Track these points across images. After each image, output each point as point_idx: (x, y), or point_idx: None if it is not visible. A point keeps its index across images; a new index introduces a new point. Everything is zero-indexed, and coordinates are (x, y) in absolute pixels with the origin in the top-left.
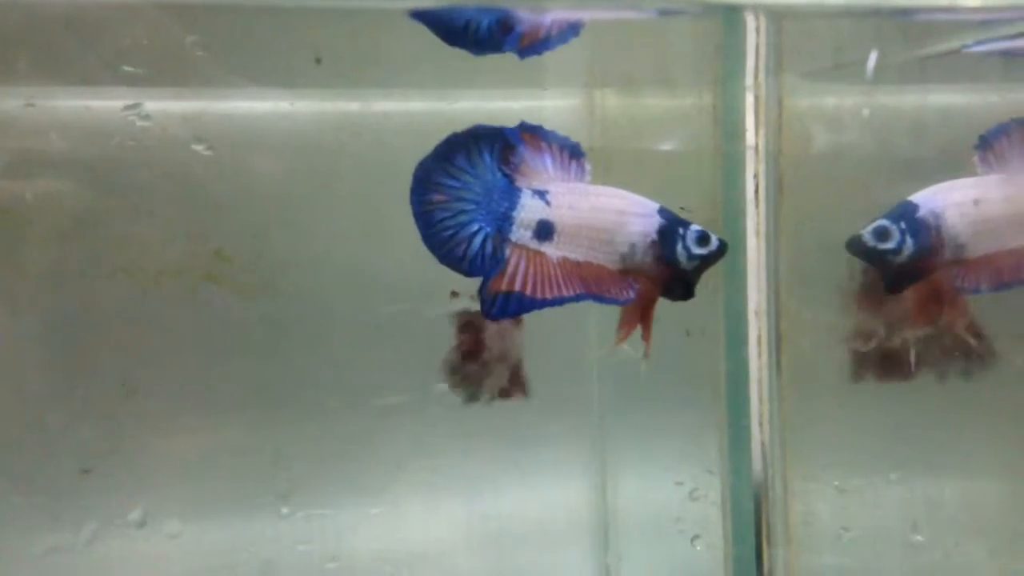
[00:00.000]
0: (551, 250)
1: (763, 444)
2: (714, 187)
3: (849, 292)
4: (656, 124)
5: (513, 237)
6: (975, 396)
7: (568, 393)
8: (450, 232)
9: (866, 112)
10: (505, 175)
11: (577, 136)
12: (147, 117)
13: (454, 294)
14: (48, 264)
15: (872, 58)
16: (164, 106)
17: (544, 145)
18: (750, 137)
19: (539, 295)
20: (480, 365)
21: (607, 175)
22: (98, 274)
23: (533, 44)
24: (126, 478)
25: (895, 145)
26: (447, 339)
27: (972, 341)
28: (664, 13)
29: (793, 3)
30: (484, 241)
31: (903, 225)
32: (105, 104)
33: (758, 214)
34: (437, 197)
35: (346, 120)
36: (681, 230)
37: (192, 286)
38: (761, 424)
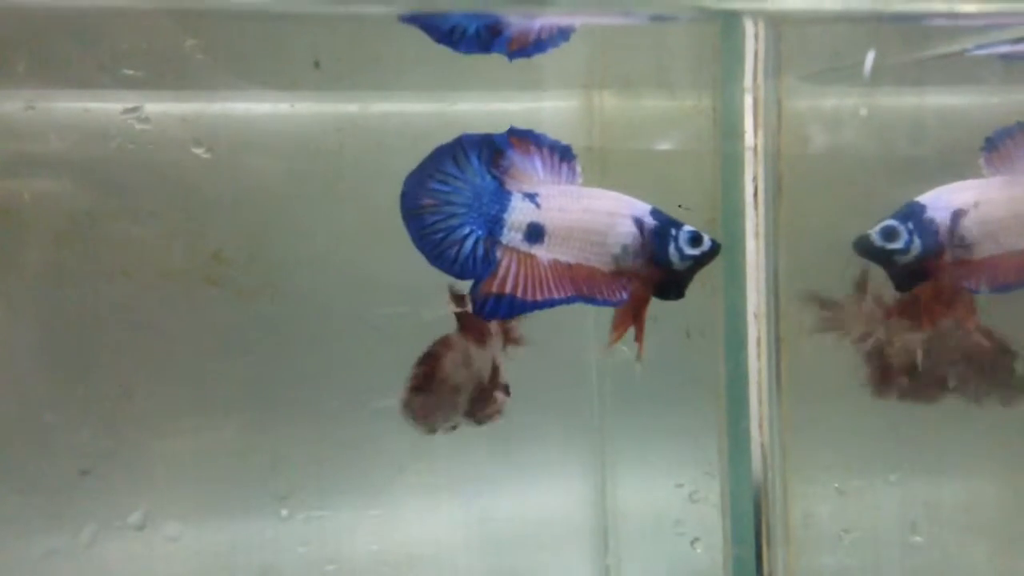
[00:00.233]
0: (542, 252)
1: (763, 446)
2: (713, 189)
3: (872, 309)
4: (655, 126)
5: (504, 239)
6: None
7: (568, 395)
8: (441, 235)
9: (864, 112)
10: (495, 178)
11: (576, 138)
12: (146, 120)
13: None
14: (48, 266)
15: (869, 59)
16: (163, 109)
17: (534, 148)
18: (749, 139)
19: (530, 297)
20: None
21: (606, 176)
22: (97, 276)
23: (523, 47)
24: (125, 480)
25: (894, 146)
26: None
27: (984, 342)
28: (656, 19)
29: (792, 9)
30: (475, 244)
31: (911, 225)
32: (105, 107)
33: (757, 216)
34: (427, 202)
35: (345, 122)
36: (673, 231)
37: (191, 288)
38: (761, 426)
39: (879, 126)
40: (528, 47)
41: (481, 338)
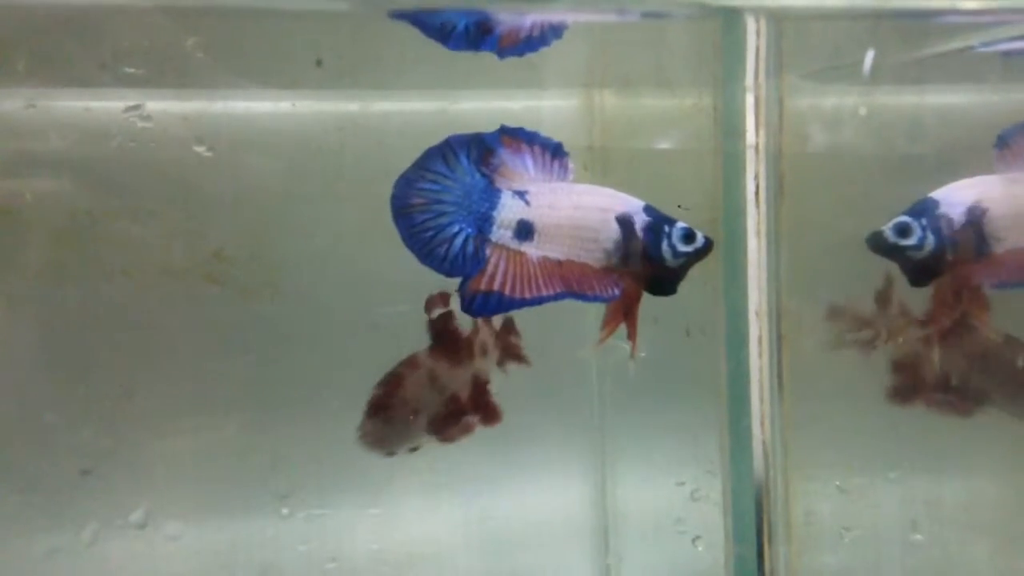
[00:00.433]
0: (531, 249)
1: (764, 444)
2: (714, 187)
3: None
4: (656, 124)
5: (493, 237)
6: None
7: (568, 393)
8: (431, 233)
9: (863, 111)
10: (485, 176)
11: (577, 137)
12: (148, 118)
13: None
14: (48, 265)
15: (869, 57)
16: (165, 107)
17: (525, 146)
18: (750, 137)
19: (518, 294)
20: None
21: (607, 175)
22: (98, 275)
23: (514, 45)
24: (126, 479)
25: (896, 145)
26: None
27: (997, 337)
28: (656, 16)
29: (793, 5)
30: (465, 242)
31: (924, 221)
32: (106, 105)
33: (759, 214)
34: (417, 201)
35: (346, 121)
36: (667, 227)
37: (192, 287)
38: (762, 424)
39: (881, 125)
40: (519, 45)
41: (455, 356)
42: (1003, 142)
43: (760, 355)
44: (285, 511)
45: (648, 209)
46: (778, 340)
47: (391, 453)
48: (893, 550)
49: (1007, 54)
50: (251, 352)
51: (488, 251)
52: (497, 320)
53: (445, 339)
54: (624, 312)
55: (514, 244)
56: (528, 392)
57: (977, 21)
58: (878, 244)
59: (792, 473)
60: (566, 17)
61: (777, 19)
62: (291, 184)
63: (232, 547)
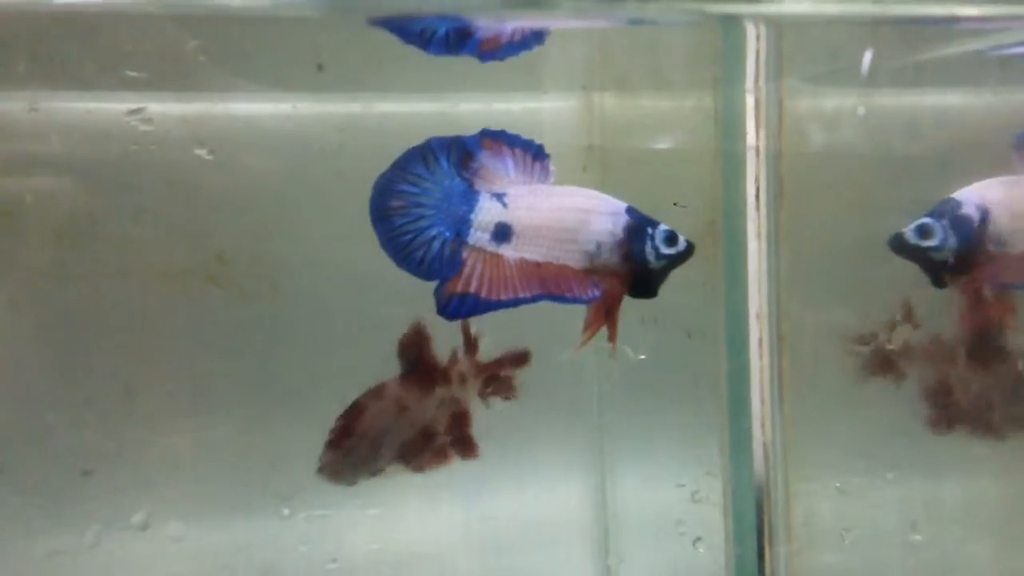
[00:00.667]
0: (509, 252)
1: (764, 445)
2: (714, 190)
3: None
4: (656, 126)
5: (471, 240)
6: None
7: (568, 394)
8: (409, 237)
9: (862, 111)
10: (464, 180)
11: (577, 138)
12: (149, 121)
13: None
14: (50, 267)
15: (867, 60)
16: (166, 110)
17: (506, 149)
18: (751, 139)
19: (494, 297)
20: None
21: (607, 177)
22: (100, 277)
23: (495, 50)
24: (128, 480)
25: (896, 147)
26: (447, 341)
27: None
28: (633, 22)
29: (792, 13)
30: (442, 245)
31: (945, 222)
32: (108, 108)
33: (759, 216)
34: (396, 203)
35: (347, 123)
36: (650, 229)
37: (193, 288)
38: (762, 426)
39: (880, 127)
40: (500, 49)
41: (428, 385)
42: (1021, 142)
43: (760, 357)
44: (286, 512)
45: (631, 210)
46: (778, 342)
47: (352, 483)
48: (893, 551)
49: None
50: (252, 353)
51: (465, 254)
52: (490, 350)
53: (418, 367)
54: (605, 313)
55: (491, 247)
56: (528, 392)
57: (977, 27)
58: (899, 245)
59: (792, 474)
60: (550, 23)
61: (776, 24)
62: (292, 186)
63: (233, 548)
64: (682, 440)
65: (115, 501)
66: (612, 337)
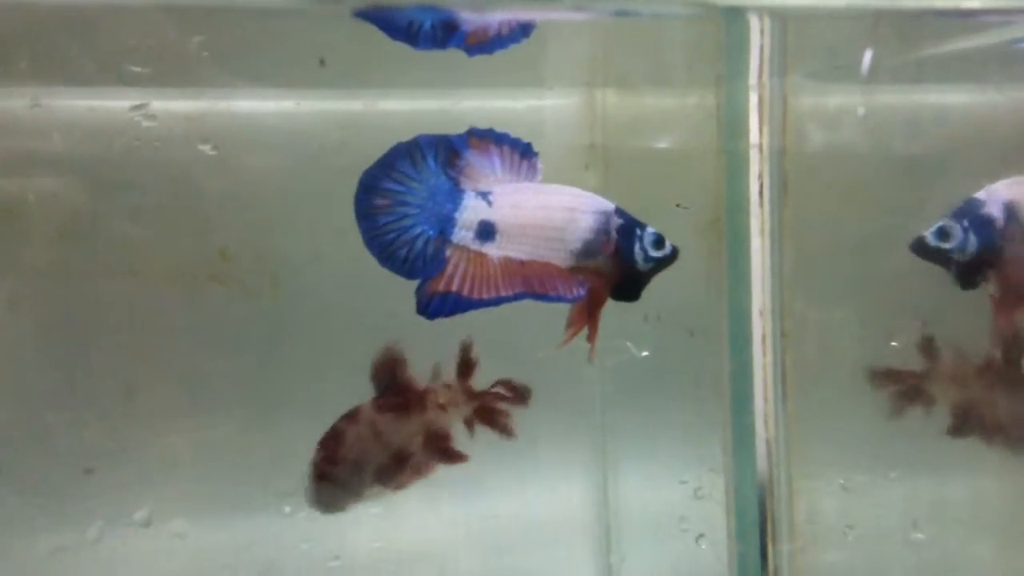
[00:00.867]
0: (493, 250)
1: (767, 443)
2: (718, 186)
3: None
4: (659, 123)
5: (455, 238)
6: None
7: (570, 392)
8: (392, 235)
9: (861, 111)
10: (450, 178)
11: (580, 135)
12: (153, 117)
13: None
14: (52, 264)
15: (867, 57)
16: (169, 106)
17: (493, 148)
18: (754, 136)
19: (476, 295)
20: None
21: (609, 174)
22: (102, 274)
23: (481, 43)
24: (130, 478)
25: (901, 145)
26: (449, 339)
27: None
28: (650, 15)
29: (797, 5)
30: (425, 244)
31: (966, 223)
32: (111, 104)
33: (762, 213)
34: (380, 201)
35: (349, 120)
36: (639, 231)
37: (196, 286)
38: (766, 423)
39: (884, 124)
40: (488, 42)
41: (403, 408)
42: None
43: (763, 354)
44: (287, 509)
45: (619, 211)
46: (781, 339)
47: (342, 509)
48: (896, 549)
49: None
50: (254, 351)
51: (448, 252)
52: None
53: (391, 390)
54: (588, 313)
55: (475, 245)
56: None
57: (983, 21)
58: (921, 249)
59: (795, 471)
60: (534, 15)
61: (781, 18)
62: (295, 183)
63: (235, 545)
64: (685, 437)
65: (117, 499)
66: (591, 338)
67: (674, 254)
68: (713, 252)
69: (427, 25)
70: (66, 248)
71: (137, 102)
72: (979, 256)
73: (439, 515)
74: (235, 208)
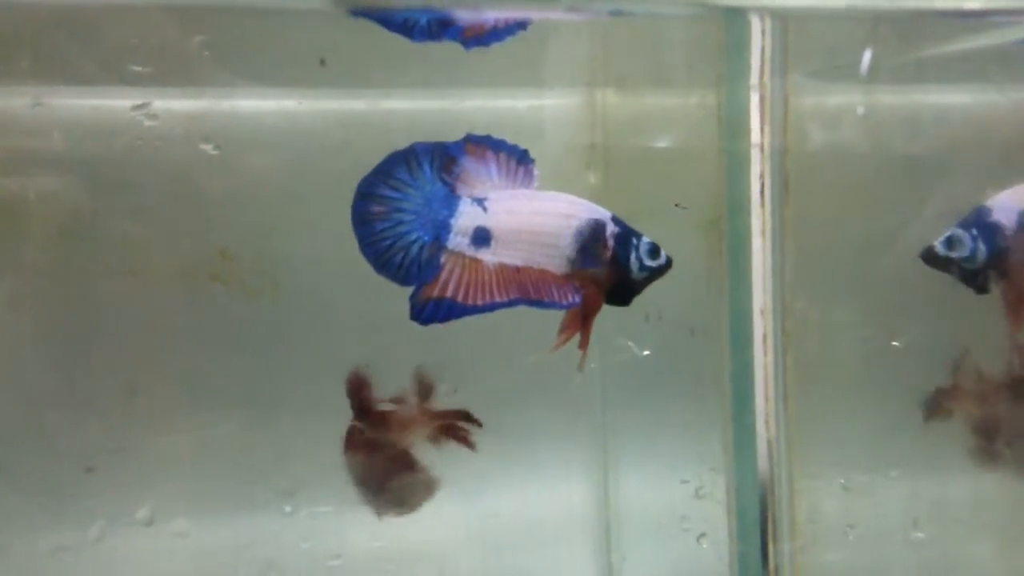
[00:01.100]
0: (488, 256)
1: (769, 442)
2: (719, 186)
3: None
4: (660, 123)
5: (450, 244)
6: None
7: (571, 392)
8: (388, 242)
9: (860, 111)
10: (446, 184)
11: (580, 135)
12: (154, 116)
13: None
14: (53, 263)
15: (866, 57)
16: (171, 105)
17: (490, 154)
18: (755, 136)
19: (470, 301)
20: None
21: (609, 174)
22: (103, 273)
23: (479, 36)
24: (131, 477)
25: (902, 145)
26: (450, 339)
27: None
28: (651, 15)
29: (798, 6)
30: (420, 250)
31: (975, 232)
32: (113, 103)
33: (763, 213)
34: (377, 208)
35: (351, 119)
36: (635, 240)
37: (196, 285)
38: (767, 422)
39: (885, 124)
40: (484, 36)
41: (372, 430)
42: None
43: (764, 354)
44: (288, 509)
45: (616, 219)
46: (782, 339)
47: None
48: (897, 548)
49: None
50: (255, 350)
51: (443, 259)
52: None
53: (362, 413)
54: (582, 320)
55: (470, 251)
56: (531, 390)
57: (983, 21)
58: (931, 258)
59: (796, 471)
60: (530, 14)
61: (782, 18)
62: (296, 183)
63: (236, 544)
64: (686, 436)
65: (118, 497)
66: (583, 345)
67: (668, 263)
68: (714, 252)
69: (423, 21)
70: (67, 247)
71: (139, 101)
72: (988, 264)
73: (440, 514)
74: (236, 208)
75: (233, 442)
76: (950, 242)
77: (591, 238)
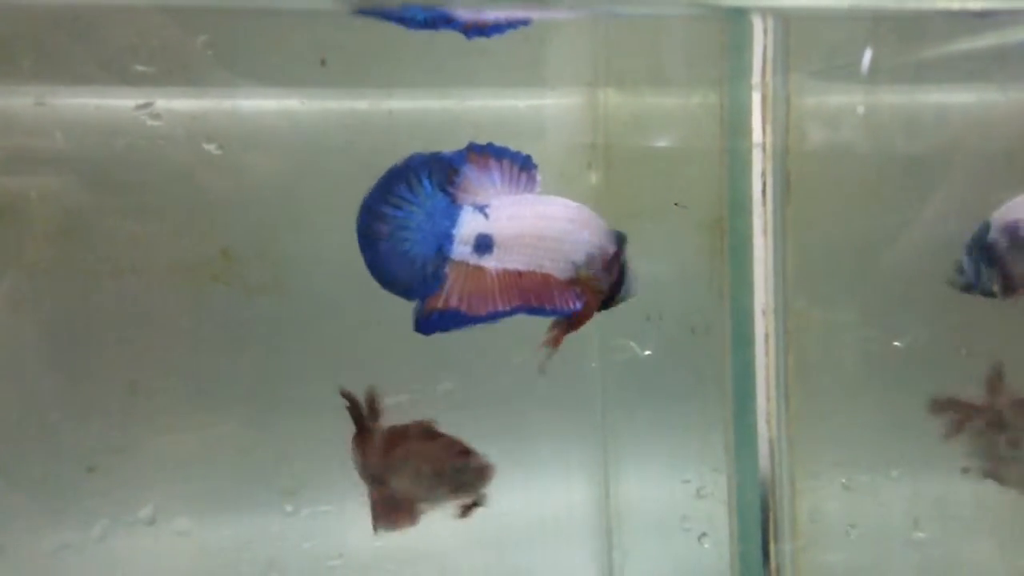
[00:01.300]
0: (491, 263)
1: (770, 442)
2: (720, 186)
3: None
4: (662, 122)
5: (453, 254)
6: None
7: (572, 390)
8: (394, 261)
9: (861, 110)
10: (447, 195)
11: (582, 134)
12: (157, 116)
13: None
14: (55, 262)
15: (867, 56)
16: (174, 105)
17: (492, 162)
18: (757, 135)
19: (474, 311)
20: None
21: (611, 173)
22: (105, 272)
23: (480, 28)
24: (132, 476)
25: (903, 144)
26: (451, 339)
27: None
28: (653, 16)
29: (800, 4)
30: (425, 265)
31: (975, 255)
32: (115, 103)
33: (765, 212)
34: (381, 228)
35: (354, 119)
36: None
37: (198, 285)
38: (768, 422)
39: (886, 123)
40: (488, 28)
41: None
42: None
43: (766, 353)
44: (289, 508)
45: (617, 233)
46: (784, 338)
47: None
48: (898, 548)
49: None
50: (256, 350)
51: (447, 269)
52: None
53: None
54: (575, 324)
55: (473, 259)
56: (532, 390)
57: (983, 21)
58: (954, 285)
59: (797, 470)
60: (532, 14)
61: (783, 18)
62: (299, 182)
63: (237, 543)
64: (687, 436)
65: (120, 497)
66: (554, 343)
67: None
68: (716, 251)
69: (420, 17)
70: (69, 246)
71: (141, 101)
72: (1004, 275)
73: (441, 513)
74: (238, 207)
75: (234, 441)
76: (959, 269)
77: (597, 244)
